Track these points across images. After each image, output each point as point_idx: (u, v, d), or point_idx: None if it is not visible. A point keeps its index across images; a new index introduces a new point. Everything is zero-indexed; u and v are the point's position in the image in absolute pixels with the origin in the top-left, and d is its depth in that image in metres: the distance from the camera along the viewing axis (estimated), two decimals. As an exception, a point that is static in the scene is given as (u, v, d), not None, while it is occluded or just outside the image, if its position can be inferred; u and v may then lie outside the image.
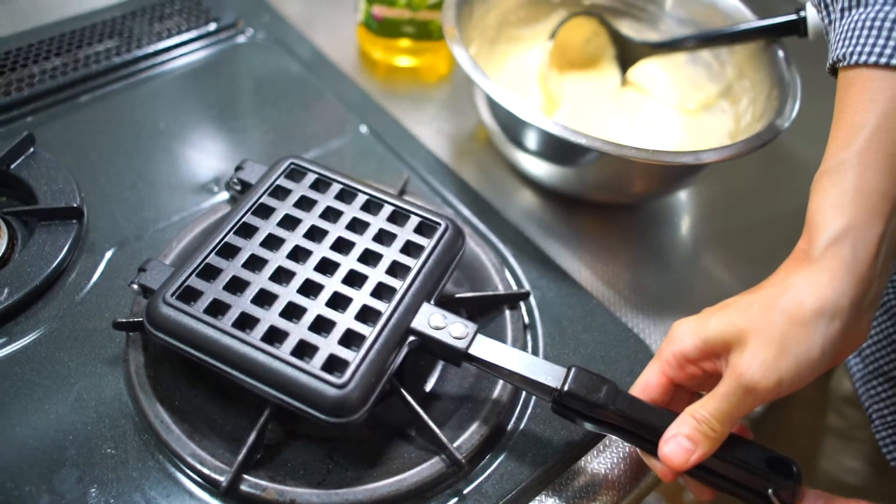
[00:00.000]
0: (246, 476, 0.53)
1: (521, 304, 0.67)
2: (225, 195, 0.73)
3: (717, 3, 0.83)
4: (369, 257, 0.58)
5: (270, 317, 0.53)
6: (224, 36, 0.90)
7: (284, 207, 0.60)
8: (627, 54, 0.87)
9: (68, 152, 0.75)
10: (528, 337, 0.66)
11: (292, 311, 0.54)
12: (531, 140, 0.73)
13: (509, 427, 0.60)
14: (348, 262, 0.57)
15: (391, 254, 0.58)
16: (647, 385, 0.53)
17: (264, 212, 0.60)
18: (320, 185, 0.63)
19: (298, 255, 0.58)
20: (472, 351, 0.54)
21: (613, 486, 0.59)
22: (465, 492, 0.56)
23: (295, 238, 0.58)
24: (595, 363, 0.65)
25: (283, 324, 0.53)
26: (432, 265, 0.58)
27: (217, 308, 0.54)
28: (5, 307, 0.61)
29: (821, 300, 0.46)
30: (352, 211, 0.61)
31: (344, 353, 0.52)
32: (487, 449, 0.58)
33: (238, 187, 0.65)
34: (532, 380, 0.53)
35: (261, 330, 0.52)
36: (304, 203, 0.61)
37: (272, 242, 0.58)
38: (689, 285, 0.75)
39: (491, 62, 0.87)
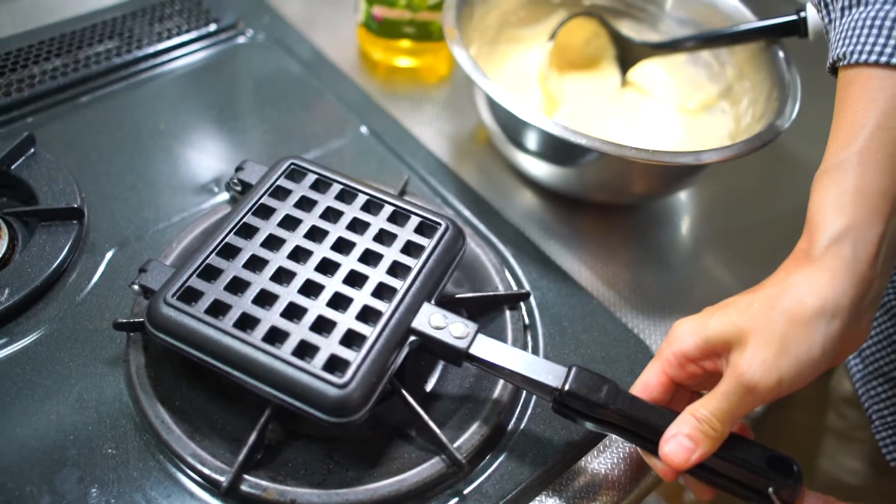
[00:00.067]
0: (246, 476, 0.53)
1: (522, 304, 0.67)
2: (225, 196, 0.73)
3: (717, 4, 0.83)
4: (370, 257, 0.58)
5: (271, 317, 0.53)
6: (224, 36, 0.90)
7: (285, 208, 0.60)
8: (628, 55, 0.87)
9: (69, 153, 0.75)
10: (529, 337, 0.66)
11: (293, 312, 0.54)
12: (531, 140, 0.73)
13: (510, 427, 0.60)
14: (349, 263, 0.57)
15: (392, 254, 0.58)
16: (647, 384, 0.53)
17: (265, 212, 0.60)
18: (321, 185, 0.63)
19: (299, 255, 0.58)
20: (472, 351, 0.54)
21: (614, 486, 0.59)
22: (465, 492, 0.56)
23: (295, 238, 0.58)
24: (595, 363, 0.65)
25: (283, 324, 0.53)
26: (433, 265, 0.58)
27: (218, 308, 0.54)
28: (6, 308, 0.61)
29: (821, 300, 0.46)
30: (352, 211, 0.61)
31: (345, 353, 0.52)
32: (488, 449, 0.58)
33: (238, 188, 0.65)
34: (533, 379, 0.53)
35: (262, 330, 0.52)
36: (305, 203, 0.61)
37: (273, 243, 0.58)
38: (690, 285, 0.75)
39: (491, 63, 0.87)
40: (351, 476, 0.55)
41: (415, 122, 0.86)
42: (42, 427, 0.56)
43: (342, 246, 0.59)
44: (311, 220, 0.60)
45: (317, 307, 0.54)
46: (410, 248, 0.59)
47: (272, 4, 0.97)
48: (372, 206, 0.62)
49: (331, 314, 0.54)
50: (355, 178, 0.63)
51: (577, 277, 0.72)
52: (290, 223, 0.60)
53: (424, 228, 0.60)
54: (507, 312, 0.65)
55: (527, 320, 0.67)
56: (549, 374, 0.53)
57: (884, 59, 0.49)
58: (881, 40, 0.49)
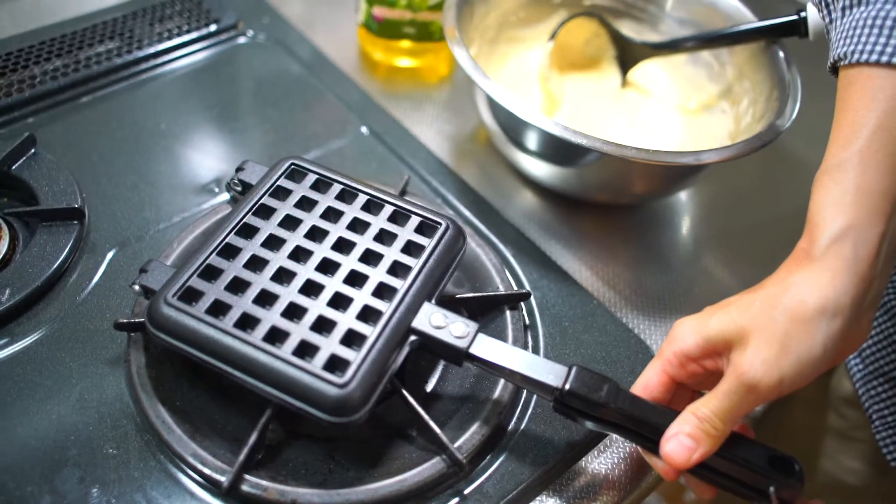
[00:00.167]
0: (247, 476, 0.53)
1: (522, 304, 0.67)
2: (226, 196, 0.73)
3: (717, 4, 0.83)
4: (370, 257, 0.58)
5: (272, 317, 0.53)
6: (225, 37, 0.91)
7: (285, 208, 0.60)
8: (628, 55, 0.87)
9: (69, 153, 0.75)
10: (529, 337, 0.66)
11: (293, 311, 0.54)
12: (532, 141, 0.73)
13: (510, 427, 0.60)
14: (349, 262, 0.57)
15: (392, 254, 0.58)
16: (648, 384, 0.53)
17: (265, 212, 0.60)
18: (321, 185, 0.63)
19: (299, 255, 0.58)
20: (473, 350, 0.54)
21: (614, 485, 0.59)
22: (465, 492, 0.56)
23: (296, 238, 0.58)
24: (596, 363, 0.65)
25: (284, 324, 0.53)
26: (433, 265, 0.58)
27: (218, 308, 0.54)
28: (7, 308, 0.61)
29: (822, 299, 0.46)
30: (352, 211, 0.61)
31: (345, 352, 0.52)
32: (488, 449, 0.58)
33: (239, 188, 0.65)
34: (533, 379, 0.53)
35: (262, 330, 0.52)
36: (305, 203, 0.61)
37: (273, 243, 0.58)
38: (690, 285, 0.75)
39: (491, 63, 0.87)
40: (352, 476, 0.55)
41: (415, 122, 0.86)
42: (43, 427, 0.56)
43: (342, 246, 0.59)
44: (311, 219, 0.60)
45: (317, 307, 0.54)
46: (411, 248, 0.59)
47: (272, 5, 0.97)
48: (372, 206, 0.62)
49: (331, 314, 0.54)
50: (356, 178, 0.63)
51: (577, 277, 0.72)
52: (290, 223, 0.60)
53: (425, 228, 0.60)
54: (508, 312, 0.65)
55: (527, 320, 0.67)
56: (550, 373, 0.53)
57: (885, 58, 0.49)
58: (882, 40, 0.49)
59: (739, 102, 0.82)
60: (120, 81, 0.83)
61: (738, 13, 0.82)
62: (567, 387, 0.52)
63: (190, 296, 0.54)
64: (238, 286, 0.55)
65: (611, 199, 0.80)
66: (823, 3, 0.57)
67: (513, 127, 0.74)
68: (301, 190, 0.62)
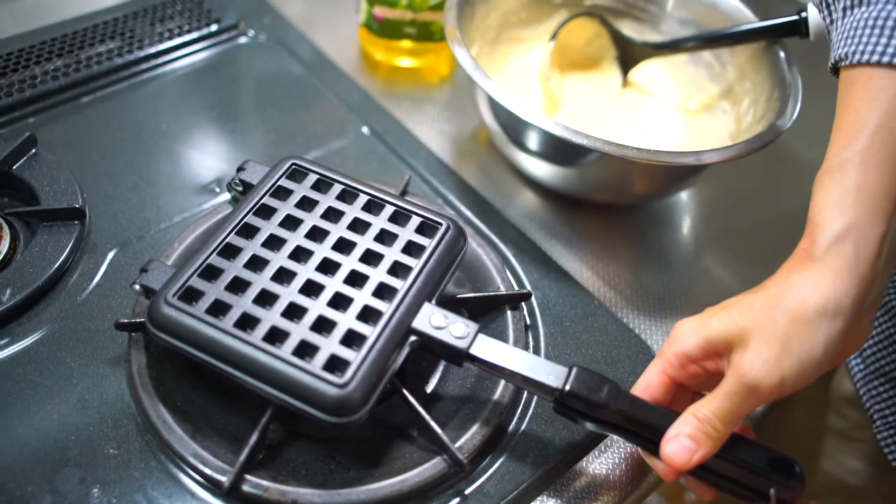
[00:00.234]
0: (248, 476, 0.53)
1: (523, 304, 0.67)
2: (226, 196, 0.73)
3: (718, 4, 0.83)
4: (370, 257, 0.58)
5: (272, 317, 0.53)
6: (225, 37, 0.91)
7: (286, 208, 0.60)
8: (629, 55, 0.87)
9: (70, 153, 0.75)
10: (530, 337, 0.66)
11: (293, 312, 0.54)
12: (532, 141, 0.73)
13: (511, 427, 0.60)
14: (350, 263, 0.57)
15: (392, 254, 0.58)
16: (648, 385, 0.53)
17: (266, 212, 0.60)
18: (322, 185, 0.63)
19: (300, 255, 0.58)
20: (473, 351, 0.54)
21: (615, 486, 0.59)
22: (466, 492, 0.56)
23: (296, 238, 0.58)
24: (597, 364, 0.65)
25: (284, 324, 0.53)
26: (433, 265, 0.58)
27: (218, 308, 0.54)
28: (7, 308, 0.61)
29: (823, 299, 0.46)
30: (353, 211, 0.61)
31: (345, 352, 0.52)
32: (489, 449, 0.58)
33: (240, 188, 0.65)
34: (534, 380, 0.53)
35: (262, 330, 0.52)
36: (306, 203, 0.61)
37: (274, 243, 0.58)
38: (691, 285, 0.75)
39: (492, 63, 0.87)
40: (352, 476, 0.55)
41: (416, 122, 0.86)
42: (43, 427, 0.56)
43: (343, 246, 0.59)
44: (312, 220, 0.60)
45: (317, 307, 0.54)
46: (411, 248, 0.59)
47: (273, 5, 0.97)
48: (373, 206, 0.62)
49: (331, 314, 0.54)
50: (356, 179, 0.63)
51: (578, 277, 0.72)
52: (291, 223, 0.60)
53: (425, 228, 0.60)
54: (509, 312, 0.65)
55: (528, 320, 0.67)
56: (550, 374, 0.53)
57: (886, 59, 0.49)
58: (883, 40, 0.49)
59: (740, 102, 0.82)
60: (121, 81, 0.83)
61: (739, 13, 0.82)
62: (567, 388, 0.51)
63: (190, 295, 0.54)
64: (238, 286, 0.55)
65: (611, 199, 0.80)
66: (824, 4, 0.57)
67: (513, 127, 0.74)
68: (302, 190, 0.62)
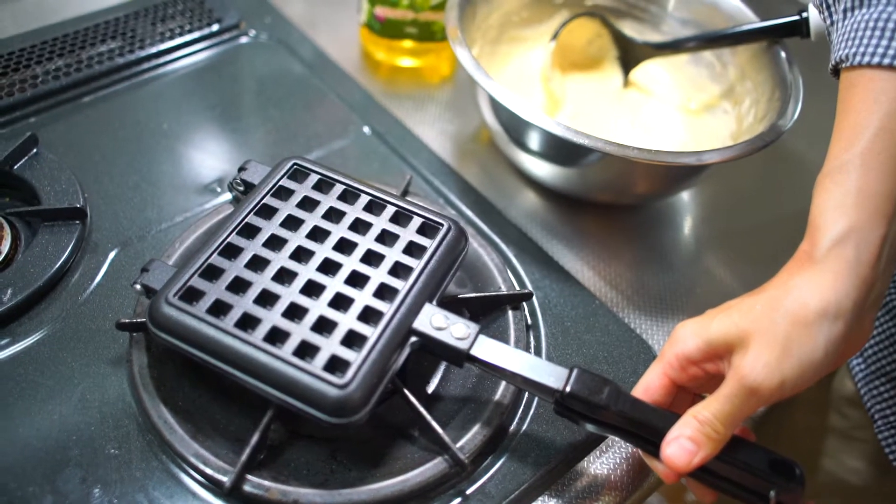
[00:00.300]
0: (249, 476, 0.53)
1: (524, 304, 0.67)
2: (228, 196, 0.73)
3: (719, 4, 0.83)
4: (372, 258, 0.58)
5: (272, 317, 0.53)
6: (227, 37, 0.91)
7: (287, 208, 0.60)
8: (630, 55, 0.87)
9: (71, 153, 0.75)
10: (531, 337, 0.66)
11: (294, 312, 0.54)
12: (534, 141, 0.73)
13: (512, 428, 0.60)
14: (351, 263, 0.57)
15: (393, 254, 0.58)
16: (649, 386, 0.53)
17: (267, 212, 0.60)
18: (323, 185, 0.63)
19: (301, 255, 0.58)
20: (473, 352, 0.54)
21: (616, 487, 0.59)
22: (467, 492, 0.56)
23: (297, 238, 0.58)
24: (598, 364, 0.65)
25: (285, 324, 0.53)
26: (434, 266, 0.58)
27: (219, 308, 0.54)
28: (9, 308, 0.61)
29: (824, 302, 0.46)
30: (354, 211, 0.61)
31: (346, 353, 0.52)
32: (490, 450, 0.58)
33: (241, 188, 0.65)
34: (534, 381, 0.53)
35: (263, 330, 0.52)
36: (307, 203, 0.61)
37: (275, 243, 0.58)
38: (692, 286, 0.75)
39: (493, 63, 0.87)
40: (354, 476, 0.55)
41: (417, 122, 0.86)
42: (44, 427, 0.56)
43: (344, 246, 0.59)
44: (313, 220, 0.60)
45: (318, 307, 0.54)
46: (412, 249, 0.59)
47: (275, 5, 0.97)
48: (374, 207, 0.62)
49: (332, 314, 0.54)
50: (358, 179, 0.63)
51: (579, 277, 0.72)
52: (292, 223, 0.60)
53: (426, 229, 0.60)
54: (510, 312, 0.65)
55: (529, 320, 0.67)
56: (551, 375, 0.53)
57: (886, 60, 0.49)
58: (884, 42, 0.49)
59: (741, 103, 0.82)
60: (122, 81, 0.83)
61: (740, 13, 0.82)
62: (568, 389, 0.51)
63: (191, 295, 0.54)
64: (239, 286, 0.55)
65: (613, 199, 0.80)
66: (825, 5, 0.56)
67: (515, 127, 0.74)
68: (303, 190, 0.62)
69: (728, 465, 0.49)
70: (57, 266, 0.64)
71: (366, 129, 0.83)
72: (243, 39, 0.91)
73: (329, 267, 0.57)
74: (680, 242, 0.80)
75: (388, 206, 0.61)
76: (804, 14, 0.73)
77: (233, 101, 0.84)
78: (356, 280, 0.57)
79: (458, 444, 0.56)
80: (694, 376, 0.51)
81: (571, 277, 0.71)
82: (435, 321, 0.55)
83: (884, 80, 0.49)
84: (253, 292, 0.55)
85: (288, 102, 0.84)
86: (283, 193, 0.62)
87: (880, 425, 0.72)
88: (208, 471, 0.53)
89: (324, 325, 0.54)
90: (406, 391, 0.57)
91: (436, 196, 0.76)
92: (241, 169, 0.65)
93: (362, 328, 0.53)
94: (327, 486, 0.54)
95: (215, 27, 0.90)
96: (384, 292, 0.56)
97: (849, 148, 0.49)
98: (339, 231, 0.59)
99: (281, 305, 0.54)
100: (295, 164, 0.63)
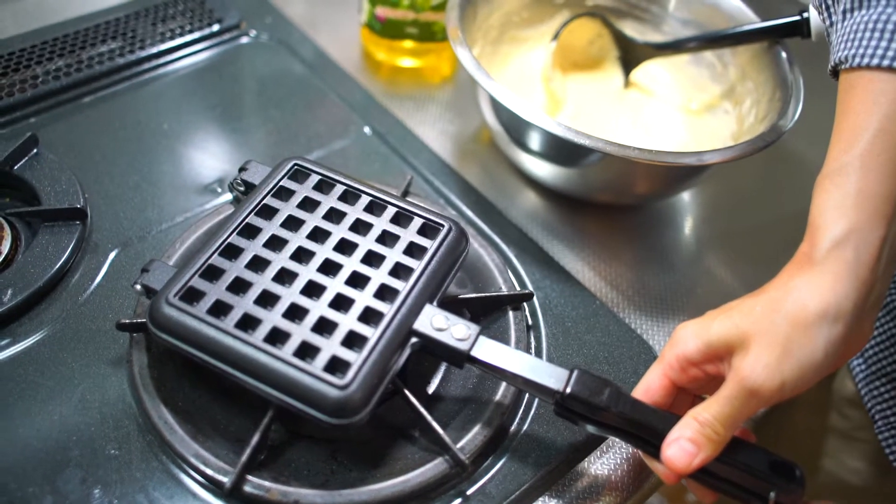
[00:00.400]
0: (249, 477, 0.53)
1: (525, 304, 0.67)
2: (228, 196, 0.73)
3: (719, 5, 0.83)
4: (372, 258, 0.58)
5: (273, 317, 0.53)
6: (227, 37, 0.91)
7: (288, 208, 0.60)
8: (631, 55, 0.87)
9: (72, 153, 0.75)
10: (532, 338, 0.66)
11: (295, 312, 0.54)
12: (534, 141, 0.73)
13: (512, 428, 0.60)
14: (351, 264, 0.57)
15: (394, 255, 0.58)
16: (649, 387, 0.53)
17: (268, 212, 0.60)
18: (324, 186, 0.63)
19: (301, 255, 0.58)
20: (474, 353, 0.54)
21: (616, 487, 0.59)
22: (468, 493, 0.56)
23: (298, 239, 0.58)
24: (598, 364, 0.65)
25: (285, 325, 0.53)
26: (435, 266, 0.58)
27: (220, 308, 0.54)
28: (9, 308, 0.61)
29: (823, 303, 0.46)
30: (355, 212, 0.61)
31: (346, 354, 0.52)
32: (491, 450, 0.58)
33: (241, 188, 0.65)
34: (534, 382, 0.53)
35: (263, 331, 0.52)
36: (308, 204, 0.61)
37: (275, 243, 0.58)
38: (693, 286, 0.75)
39: (494, 63, 0.87)
40: (354, 477, 0.55)
41: (418, 122, 0.86)
42: (45, 428, 0.56)
43: (345, 247, 0.59)
44: (313, 220, 0.60)
45: (318, 308, 0.54)
46: (413, 250, 0.59)
47: (275, 5, 0.97)
48: (375, 207, 0.62)
49: (332, 315, 0.54)
50: (358, 179, 0.63)
51: (580, 278, 0.72)
52: (292, 224, 0.60)
53: (427, 230, 0.60)
54: (511, 313, 0.65)
55: (530, 321, 0.67)
56: (551, 376, 0.53)
57: (886, 62, 0.49)
58: (883, 43, 0.49)
59: (742, 103, 0.82)
60: (122, 81, 0.83)
61: (741, 14, 0.82)
62: (568, 390, 0.51)
63: (192, 296, 0.54)
64: (240, 286, 0.55)
65: (613, 200, 0.80)
66: (824, 6, 0.56)
67: (515, 127, 0.74)
68: (304, 190, 0.62)
69: (728, 467, 0.49)
70: (57, 266, 0.64)
71: (366, 130, 0.83)
72: (244, 39, 0.91)
73: (329, 267, 0.57)
74: (680, 243, 0.80)
75: (389, 206, 0.61)
76: (805, 14, 0.73)
77: (233, 102, 0.84)
78: (357, 281, 0.57)
79: (459, 445, 0.56)
80: (694, 377, 0.51)
81: (572, 278, 0.71)
82: (435, 322, 0.55)
83: (883, 81, 0.49)
84: (253, 293, 0.55)
85: (289, 102, 0.84)
86: (283, 194, 0.62)
87: (881, 426, 0.72)
88: (208, 471, 0.53)
89: (324, 326, 0.54)
90: (406, 392, 0.57)
91: (436, 196, 0.76)
92: (241, 169, 0.65)
93: (363, 329, 0.53)
94: (328, 486, 0.54)
95: (216, 27, 0.90)
96: (385, 293, 0.56)
97: (848, 149, 0.49)
98: (340, 231, 0.59)
99: (281, 306, 0.54)
100: (295, 164, 0.63)
